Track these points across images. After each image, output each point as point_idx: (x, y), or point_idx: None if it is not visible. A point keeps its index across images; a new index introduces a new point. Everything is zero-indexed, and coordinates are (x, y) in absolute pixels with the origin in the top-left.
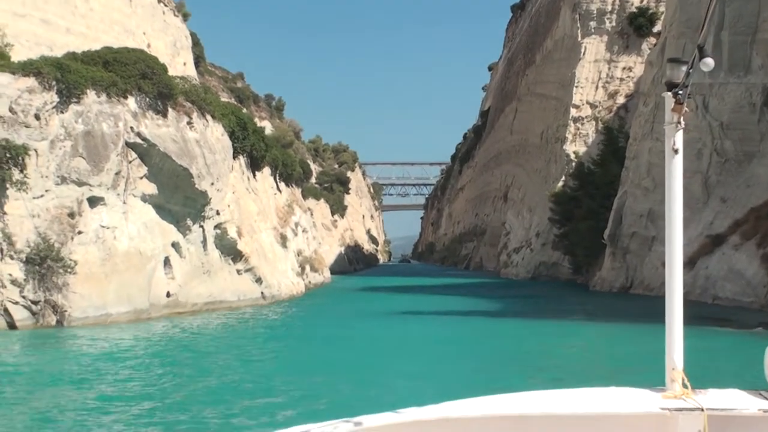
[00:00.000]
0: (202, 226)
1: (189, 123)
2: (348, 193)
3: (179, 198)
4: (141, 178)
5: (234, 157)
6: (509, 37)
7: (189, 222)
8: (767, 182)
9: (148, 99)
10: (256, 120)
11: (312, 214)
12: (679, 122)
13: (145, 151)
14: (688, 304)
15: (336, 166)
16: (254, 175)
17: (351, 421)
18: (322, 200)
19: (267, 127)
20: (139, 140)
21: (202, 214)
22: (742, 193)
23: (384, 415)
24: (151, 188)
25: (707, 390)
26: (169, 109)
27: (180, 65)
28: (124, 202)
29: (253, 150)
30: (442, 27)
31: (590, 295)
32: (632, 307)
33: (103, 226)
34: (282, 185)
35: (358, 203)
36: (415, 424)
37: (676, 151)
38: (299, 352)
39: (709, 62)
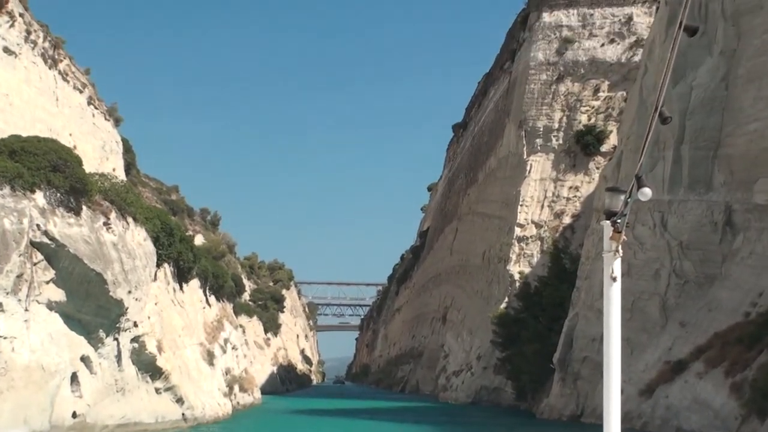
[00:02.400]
0: (116, 339)
1: (106, 224)
2: (282, 312)
3: (91, 306)
4: (47, 282)
5: (158, 266)
6: (450, 157)
7: (102, 334)
8: (731, 307)
9: (58, 194)
10: (190, 233)
11: (244, 332)
12: (617, 250)
13: (53, 252)
14: None
15: (271, 283)
16: (181, 287)
17: None
18: (255, 317)
19: (199, 239)
20: (46, 240)
21: (117, 325)
22: (703, 317)
23: None
24: (58, 294)
25: None
26: (84, 207)
27: (109, 170)
28: (27, 309)
29: (180, 259)
30: (382, 148)
31: (538, 423)
32: None
33: (0, 336)
34: (212, 299)
35: (292, 322)
36: None
37: (614, 279)
38: None
39: (647, 192)
